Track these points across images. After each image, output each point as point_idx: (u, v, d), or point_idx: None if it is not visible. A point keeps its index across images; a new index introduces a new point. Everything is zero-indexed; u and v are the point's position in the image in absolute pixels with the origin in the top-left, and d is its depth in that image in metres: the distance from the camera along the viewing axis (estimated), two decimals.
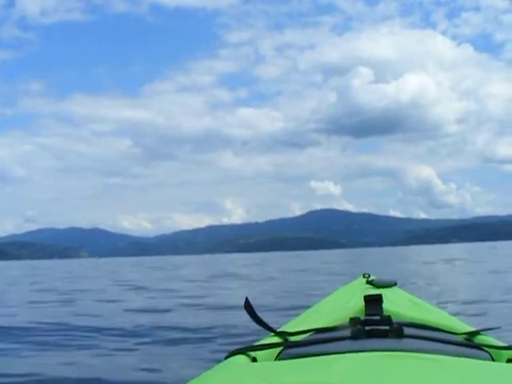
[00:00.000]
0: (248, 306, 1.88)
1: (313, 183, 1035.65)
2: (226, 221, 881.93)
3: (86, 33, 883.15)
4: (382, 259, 42.91)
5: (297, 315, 2.49)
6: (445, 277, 18.55)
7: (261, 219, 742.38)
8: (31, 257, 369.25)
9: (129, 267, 46.82)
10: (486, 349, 1.78)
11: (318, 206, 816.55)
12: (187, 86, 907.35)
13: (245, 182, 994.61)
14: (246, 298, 1.86)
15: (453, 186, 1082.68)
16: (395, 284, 3.04)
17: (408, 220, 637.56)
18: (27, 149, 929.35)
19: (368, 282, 3.11)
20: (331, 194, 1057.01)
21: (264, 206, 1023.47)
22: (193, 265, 49.54)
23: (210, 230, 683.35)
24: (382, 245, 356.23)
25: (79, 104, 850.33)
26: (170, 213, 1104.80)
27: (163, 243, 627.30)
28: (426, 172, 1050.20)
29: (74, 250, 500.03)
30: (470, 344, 1.84)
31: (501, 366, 1.48)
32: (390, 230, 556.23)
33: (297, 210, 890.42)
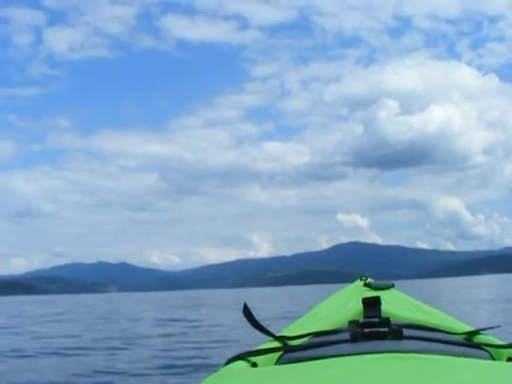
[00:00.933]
0: (247, 312, 1.88)
1: (340, 216, 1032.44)
2: (253, 255, 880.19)
3: (112, 69, 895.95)
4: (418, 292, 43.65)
5: (295, 319, 2.50)
6: None
7: (288, 253, 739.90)
8: (59, 291, 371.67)
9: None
10: (486, 348, 1.77)
11: (345, 239, 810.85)
12: (213, 121, 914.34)
13: (271, 215, 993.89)
14: (245, 304, 1.86)
15: (481, 217, 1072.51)
16: (393, 286, 3.02)
17: (436, 252, 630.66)
18: (55, 184, 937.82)
19: (366, 285, 3.11)
20: (358, 227, 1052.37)
21: (291, 239, 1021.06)
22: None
23: (238, 263, 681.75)
24: (409, 277, 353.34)
25: (106, 139, 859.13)
26: (197, 247, 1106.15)
27: (191, 277, 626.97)
28: (454, 203, 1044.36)
29: (102, 284, 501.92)
30: (469, 344, 1.83)
31: (501, 365, 1.48)
32: (418, 263, 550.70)
33: (324, 243, 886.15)
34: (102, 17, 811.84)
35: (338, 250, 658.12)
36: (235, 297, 55.40)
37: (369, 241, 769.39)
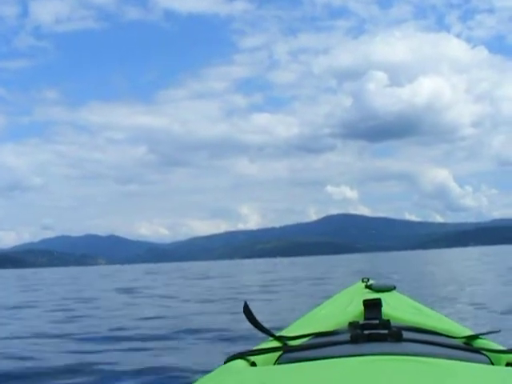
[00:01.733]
0: (247, 311, 1.87)
1: (329, 188, 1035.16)
2: (242, 226, 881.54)
3: (99, 40, 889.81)
4: (404, 262, 43.25)
5: (296, 320, 2.49)
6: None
7: (277, 224, 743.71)
8: (49, 264, 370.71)
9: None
10: (485, 352, 1.77)
11: (334, 211, 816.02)
12: (202, 93, 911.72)
13: (260, 187, 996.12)
14: (245, 303, 1.86)
15: (469, 189, 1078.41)
16: (394, 288, 3.04)
17: (424, 224, 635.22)
18: (43, 157, 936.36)
19: (367, 287, 3.13)
20: (347, 199, 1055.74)
21: (280, 211, 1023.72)
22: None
23: (227, 235, 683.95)
24: (398, 249, 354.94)
25: (94, 111, 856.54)
26: (186, 219, 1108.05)
27: (180, 249, 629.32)
28: (442, 175, 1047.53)
29: (91, 257, 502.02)
30: (469, 348, 1.84)
31: (500, 370, 1.48)
32: (406, 234, 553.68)
33: (313, 214, 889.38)
34: None
35: (327, 221, 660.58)
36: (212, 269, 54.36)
37: (357, 212, 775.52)
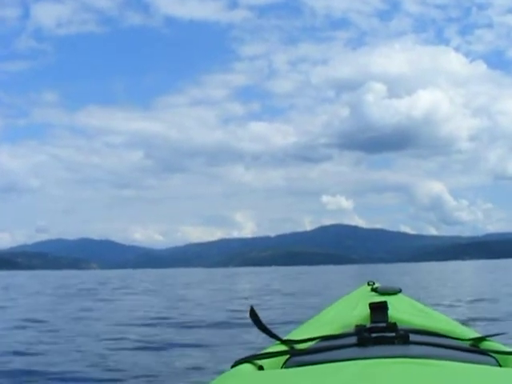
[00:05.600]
0: (253, 315, 1.88)
1: (324, 198, 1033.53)
2: (236, 234, 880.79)
3: (100, 44, 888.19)
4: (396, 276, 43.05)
5: (302, 323, 2.50)
6: None
7: (272, 233, 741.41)
8: (42, 267, 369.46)
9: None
10: (493, 354, 1.77)
11: (329, 221, 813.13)
12: (200, 99, 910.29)
13: (256, 195, 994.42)
14: (251, 307, 1.87)
15: (464, 202, 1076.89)
16: (400, 291, 3.04)
17: (419, 236, 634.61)
18: (40, 159, 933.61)
19: (373, 290, 3.12)
20: (342, 209, 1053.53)
21: (275, 220, 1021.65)
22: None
23: (222, 242, 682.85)
24: (392, 261, 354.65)
25: (92, 115, 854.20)
26: (181, 225, 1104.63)
27: (175, 255, 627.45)
28: (438, 188, 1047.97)
29: (85, 261, 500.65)
30: (476, 350, 1.84)
31: (507, 372, 1.47)
32: (400, 247, 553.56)
33: (308, 224, 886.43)
34: None
35: (322, 231, 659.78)
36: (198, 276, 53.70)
37: (352, 223, 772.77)
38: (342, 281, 30.06)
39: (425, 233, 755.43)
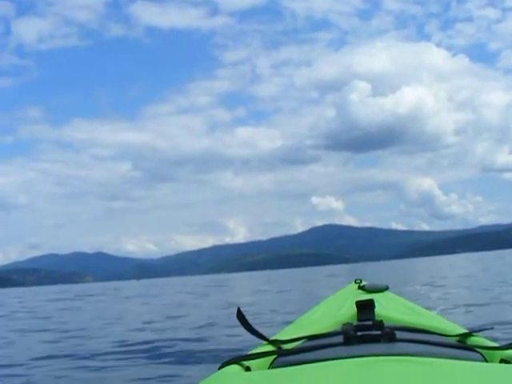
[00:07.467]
0: (240, 316, 1.88)
1: (314, 199, 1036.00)
2: (229, 240, 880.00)
3: (82, 58, 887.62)
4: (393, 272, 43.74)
5: (289, 323, 2.49)
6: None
7: (264, 237, 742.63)
8: (37, 283, 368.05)
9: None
10: (479, 350, 1.79)
11: (320, 222, 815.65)
12: (186, 108, 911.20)
13: (246, 200, 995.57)
14: (238, 308, 1.87)
15: (454, 196, 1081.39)
16: (387, 288, 3.04)
17: (411, 232, 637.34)
18: (28, 175, 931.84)
19: (360, 288, 3.11)
20: (333, 209, 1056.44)
21: (267, 223, 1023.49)
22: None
23: (215, 249, 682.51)
24: (385, 258, 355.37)
25: (78, 129, 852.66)
26: (173, 234, 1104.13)
27: (168, 264, 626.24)
28: (427, 184, 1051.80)
29: (79, 274, 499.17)
30: (462, 346, 1.85)
31: (493, 367, 1.48)
32: (393, 243, 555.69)
33: (299, 226, 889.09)
34: (71, 5, 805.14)
35: (314, 232, 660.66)
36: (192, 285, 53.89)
37: (344, 223, 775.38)
38: (334, 281, 30.67)
39: (416, 228, 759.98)
